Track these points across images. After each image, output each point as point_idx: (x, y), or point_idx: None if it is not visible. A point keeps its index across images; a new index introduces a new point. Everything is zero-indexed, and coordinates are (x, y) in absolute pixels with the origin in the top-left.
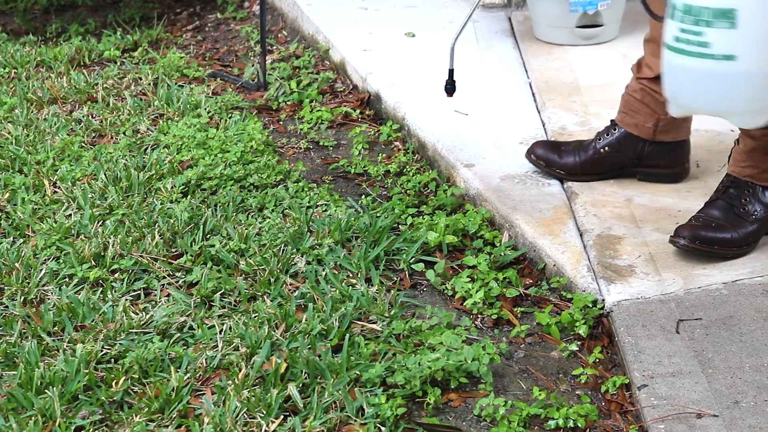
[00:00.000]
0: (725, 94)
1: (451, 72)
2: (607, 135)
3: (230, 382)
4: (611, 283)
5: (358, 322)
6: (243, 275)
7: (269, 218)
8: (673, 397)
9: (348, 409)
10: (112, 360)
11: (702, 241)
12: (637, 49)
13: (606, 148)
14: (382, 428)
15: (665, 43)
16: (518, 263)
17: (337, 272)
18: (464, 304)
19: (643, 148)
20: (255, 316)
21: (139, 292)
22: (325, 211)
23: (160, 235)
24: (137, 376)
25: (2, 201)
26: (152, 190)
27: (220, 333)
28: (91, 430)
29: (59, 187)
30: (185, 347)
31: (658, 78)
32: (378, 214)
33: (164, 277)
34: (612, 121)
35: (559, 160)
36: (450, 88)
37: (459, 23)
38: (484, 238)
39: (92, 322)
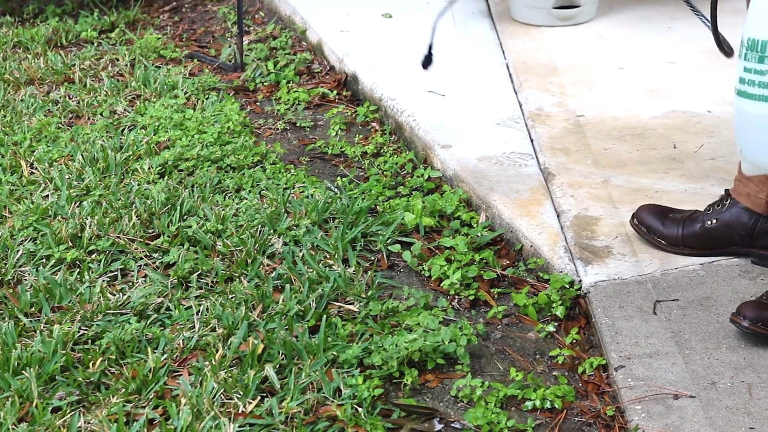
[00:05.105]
0: None
1: (430, 47)
2: (718, 206)
3: (207, 363)
4: (588, 264)
5: (335, 303)
6: (220, 256)
7: (246, 199)
8: (650, 378)
9: (325, 390)
10: (89, 341)
11: (766, 324)
12: (613, 30)
13: (714, 221)
14: (359, 409)
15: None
16: (495, 244)
17: (314, 253)
18: (441, 285)
19: (756, 225)
20: (232, 297)
21: (116, 273)
22: (302, 192)
23: (137, 216)
24: (114, 357)
25: None
26: (129, 171)
27: (197, 314)
28: (68, 411)
29: (36, 168)
30: (162, 328)
31: None
32: (355, 196)
33: (141, 258)
34: (726, 190)
35: (662, 229)
36: (426, 62)
37: (435, 4)
38: (461, 219)
39: (69, 303)
